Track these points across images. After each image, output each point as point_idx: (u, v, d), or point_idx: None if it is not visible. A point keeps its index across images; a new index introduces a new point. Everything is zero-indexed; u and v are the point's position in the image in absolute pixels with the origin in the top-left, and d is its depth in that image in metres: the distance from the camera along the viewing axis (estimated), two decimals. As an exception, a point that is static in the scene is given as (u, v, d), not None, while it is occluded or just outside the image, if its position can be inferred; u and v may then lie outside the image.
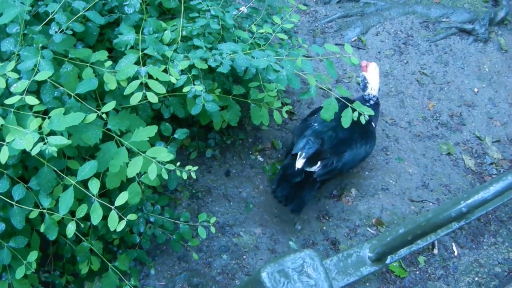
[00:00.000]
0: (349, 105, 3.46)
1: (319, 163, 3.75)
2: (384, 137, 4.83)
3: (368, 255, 2.70)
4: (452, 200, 3.48)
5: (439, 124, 5.15)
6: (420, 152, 4.81)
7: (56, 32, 2.92)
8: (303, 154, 3.73)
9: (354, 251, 2.72)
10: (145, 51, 3.14)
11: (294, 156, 3.78)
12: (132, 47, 3.20)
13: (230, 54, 3.22)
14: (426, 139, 4.97)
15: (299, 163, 3.74)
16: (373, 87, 4.33)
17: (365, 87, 4.34)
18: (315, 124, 3.81)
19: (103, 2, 3.26)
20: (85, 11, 3.01)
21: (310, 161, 3.76)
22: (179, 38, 3.36)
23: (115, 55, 3.38)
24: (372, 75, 4.32)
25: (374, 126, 4.23)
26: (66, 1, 2.98)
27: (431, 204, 4.40)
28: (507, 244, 4.28)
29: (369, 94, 4.32)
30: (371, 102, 4.32)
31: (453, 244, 4.21)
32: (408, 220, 3.73)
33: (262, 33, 3.65)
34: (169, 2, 3.53)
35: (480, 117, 5.34)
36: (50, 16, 2.93)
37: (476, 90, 5.60)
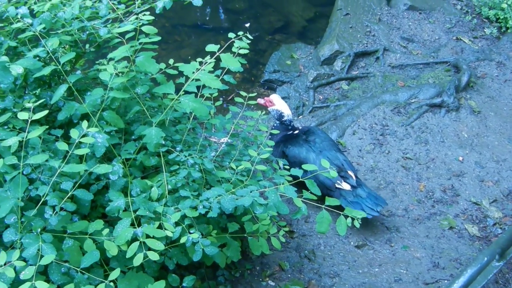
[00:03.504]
0: (337, 211, 3.60)
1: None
2: (385, 229, 4.92)
3: None
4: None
5: (434, 202, 5.25)
6: (423, 235, 4.89)
7: (50, 215, 3.07)
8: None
9: None
10: (137, 213, 3.28)
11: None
12: (125, 209, 3.35)
13: (217, 197, 3.38)
14: (426, 220, 5.06)
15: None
16: (287, 113, 5.37)
17: (281, 117, 5.35)
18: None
19: (89, 171, 3.41)
20: (73, 191, 3.16)
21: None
22: (166, 192, 3.52)
23: (110, 219, 3.53)
24: (281, 105, 5.36)
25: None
26: (54, 181, 3.14)
27: (446, 281, 4.44)
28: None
29: (287, 119, 5.36)
30: (292, 123, 5.41)
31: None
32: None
33: (242, 168, 3.81)
34: (149, 161, 3.69)
35: (471, 183, 5.47)
36: (43, 199, 3.08)
37: (461, 158, 5.75)
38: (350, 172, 4.90)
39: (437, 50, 7.63)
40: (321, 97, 7.05)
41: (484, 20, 8.31)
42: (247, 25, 8.02)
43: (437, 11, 8.42)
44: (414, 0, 8.49)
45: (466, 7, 8.56)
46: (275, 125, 5.35)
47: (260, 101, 5.28)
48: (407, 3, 8.41)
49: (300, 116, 6.74)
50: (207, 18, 8.58)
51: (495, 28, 8.08)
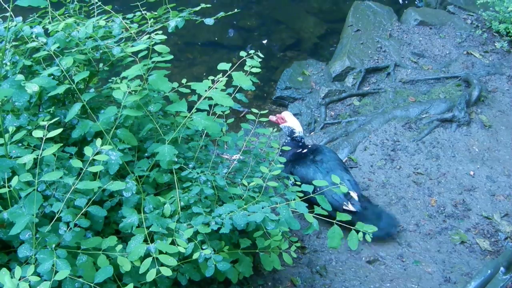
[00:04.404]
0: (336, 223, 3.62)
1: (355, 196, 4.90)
2: (396, 245, 4.93)
3: None
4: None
5: (446, 217, 5.26)
6: (434, 250, 4.90)
7: (65, 231, 3.12)
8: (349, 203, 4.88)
9: None
10: (150, 229, 3.32)
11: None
12: (138, 226, 3.39)
13: (229, 213, 3.42)
14: (437, 235, 5.06)
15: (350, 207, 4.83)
16: (299, 130, 5.34)
17: (293, 133, 5.32)
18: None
19: (103, 188, 3.46)
20: (87, 207, 3.21)
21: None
22: (179, 209, 3.56)
23: (123, 235, 3.57)
24: (293, 121, 5.35)
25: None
26: (68, 198, 3.18)
27: (457, 296, 4.45)
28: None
29: (299, 136, 5.32)
30: (303, 140, 5.38)
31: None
32: None
33: (254, 184, 3.85)
34: (162, 178, 3.74)
35: (483, 198, 5.47)
36: (57, 216, 3.12)
37: (472, 173, 5.76)
38: (352, 193, 4.89)
39: (448, 65, 7.65)
40: (333, 113, 7.08)
41: (494, 34, 8.32)
42: (265, 42, 8.11)
43: (448, 26, 8.45)
44: (424, 16, 8.53)
45: (476, 22, 8.58)
46: (286, 141, 5.37)
47: (272, 118, 5.31)
48: (418, 19, 8.45)
49: (312, 133, 6.77)
50: (219, 35, 8.65)
51: (506, 42, 8.09)
